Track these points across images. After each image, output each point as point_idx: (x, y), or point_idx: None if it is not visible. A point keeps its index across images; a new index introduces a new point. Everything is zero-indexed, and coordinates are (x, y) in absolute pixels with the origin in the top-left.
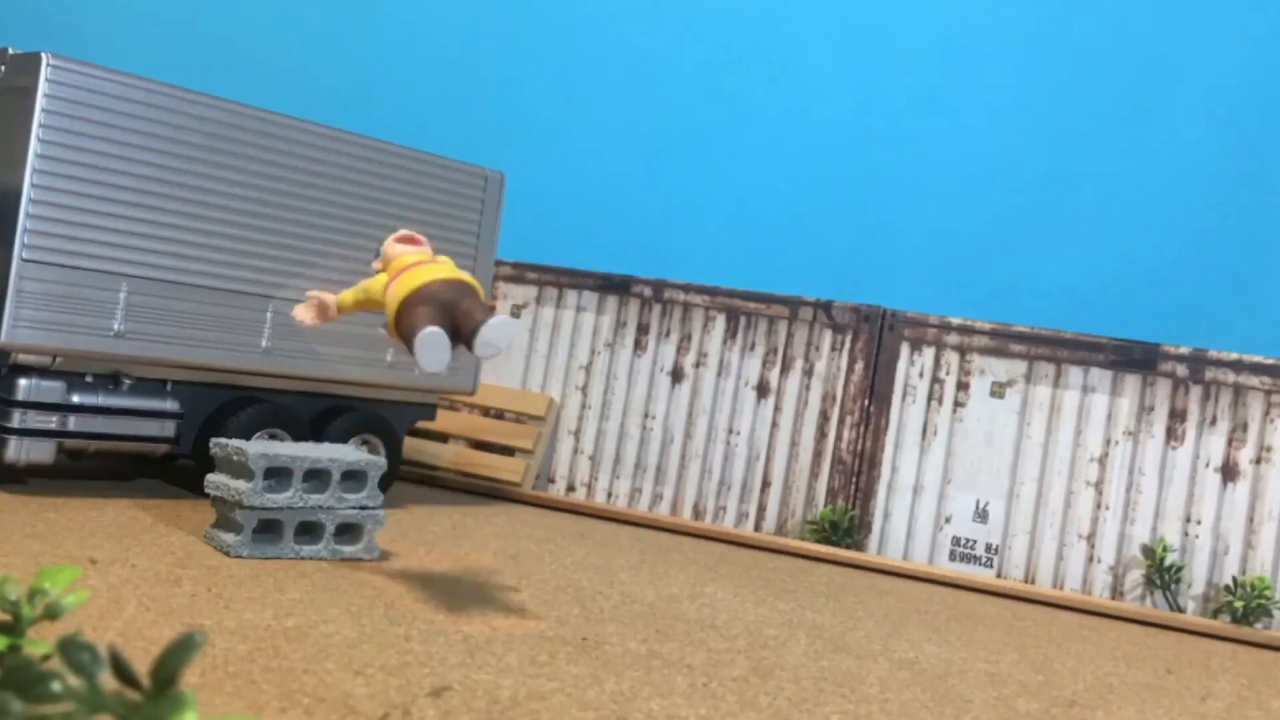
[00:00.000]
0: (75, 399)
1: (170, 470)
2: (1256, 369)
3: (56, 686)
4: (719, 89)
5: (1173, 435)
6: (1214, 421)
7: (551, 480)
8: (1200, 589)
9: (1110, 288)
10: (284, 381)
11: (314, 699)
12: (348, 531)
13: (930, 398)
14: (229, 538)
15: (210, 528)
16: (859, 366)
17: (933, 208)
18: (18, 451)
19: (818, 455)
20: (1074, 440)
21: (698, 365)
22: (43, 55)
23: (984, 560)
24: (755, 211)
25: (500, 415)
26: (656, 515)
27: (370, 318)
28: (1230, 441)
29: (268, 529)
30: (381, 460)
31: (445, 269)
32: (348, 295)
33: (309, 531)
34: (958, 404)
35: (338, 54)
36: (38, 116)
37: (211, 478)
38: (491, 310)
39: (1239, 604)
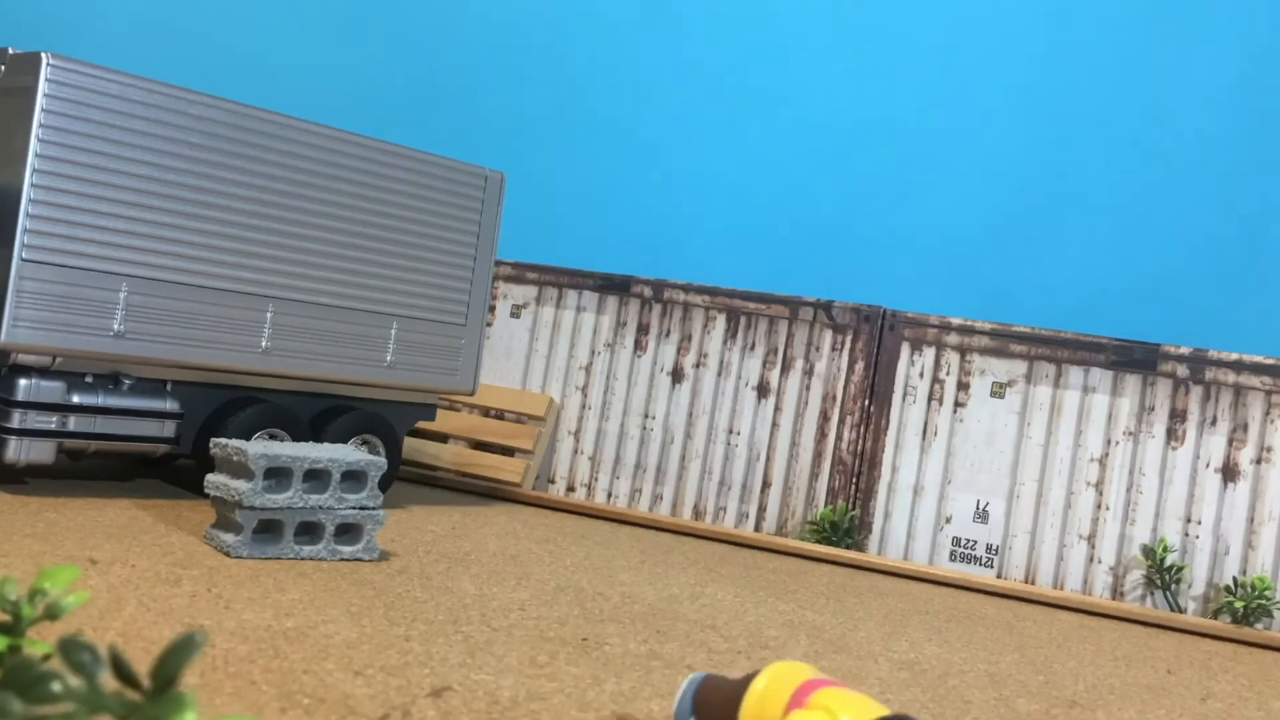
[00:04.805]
0: (75, 399)
1: (170, 470)
2: (1257, 369)
3: (57, 687)
4: (719, 89)
5: (1173, 435)
6: (1214, 422)
7: (551, 480)
8: (1200, 589)
9: (1110, 288)
10: (284, 381)
11: (314, 699)
12: (348, 531)
13: (930, 398)
14: (229, 538)
15: (210, 528)
16: (859, 366)
17: (933, 208)
18: (18, 451)
19: (818, 455)
20: (1074, 440)
21: (698, 365)
22: (43, 55)
23: (984, 561)
24: (755, 211)
25: (500, 415)
26: (656, 515)
27: (368, 316)
28: (1231, 442)
29: (268, 529)
30: (381, 460)
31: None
32: None
33: (309, 531)
34: (958, 404)
35: (338, 54)
36: (38, 116)
37: (211, 478)
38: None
39: (1239, 604)
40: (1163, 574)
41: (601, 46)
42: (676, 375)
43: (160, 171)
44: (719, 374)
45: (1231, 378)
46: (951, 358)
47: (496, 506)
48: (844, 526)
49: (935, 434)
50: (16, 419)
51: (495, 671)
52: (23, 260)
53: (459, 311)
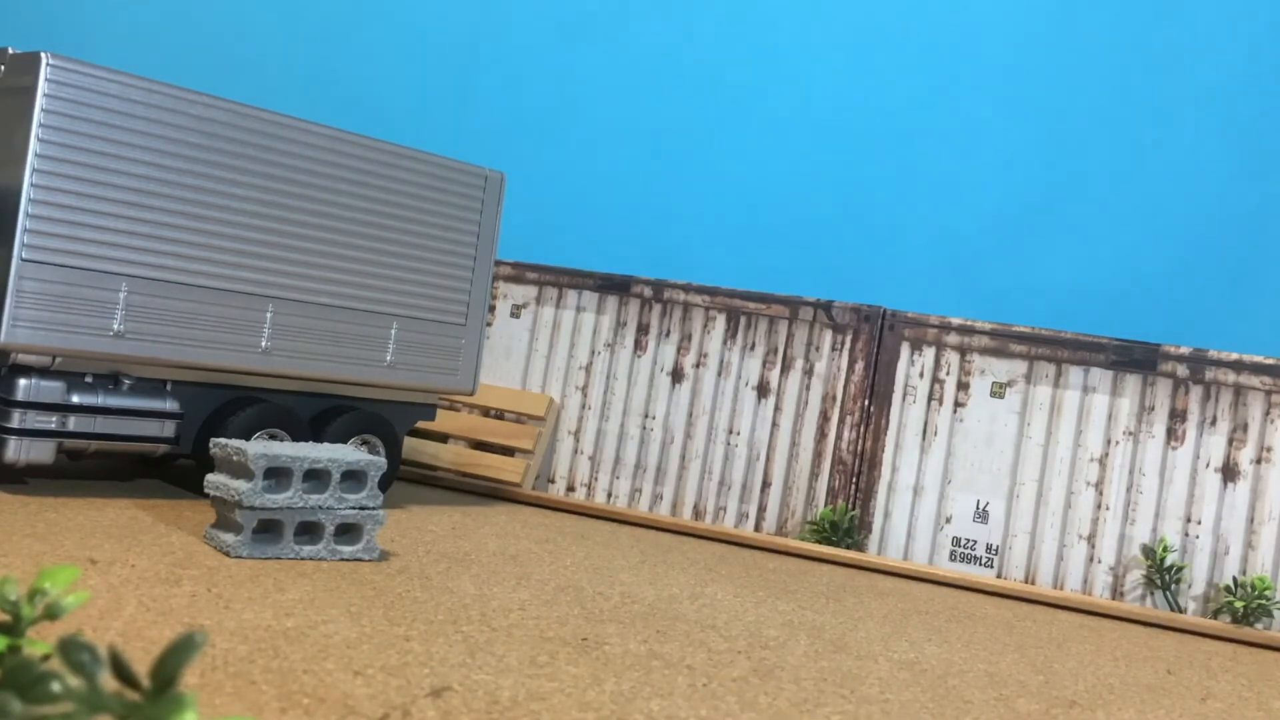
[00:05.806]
0: (75, 399)
1: (170, 470)
2: (1256, 369)
3: (56, 687)
4: (719, 88)
5: (1173, 435)
6: (1214, 422)
7: (551, 480)
8: (1200, 589)
9: (1110, 288)
10: (284, 381)
11: (314, 699)
12: (348, 531)
13: (930, 398)
14: (229, 538)
15: (210, 528)
16: (859, 366)
17: (933, 208)
18: (18, 451)
19: (818, 455)
20: (1074, 440)
21: (698, 365)
22: (43, 55)
23: (984, 560)
24: (755, 211)
25: (500, 415)
26: (656, 515)
27: (368, 316)
28: (1230, 441)
29: (268, 529)
30: (381, 460)
31: None
32: None
33: (309, 531)
34: (958, 404)
35: (338, 54)
36: (38, 116)
37: (211, 478)
38: None
39: (1239, 604)
40: (1163, 574)
41: (601, 46)
42: (676, 375)
43: (160, 171)
44: (719, 374)
45: (1231, 378)
46: (951, 358)
47: (496, 506)
48: (844, 526)
49: (935, 434)
50: (16, 419)
51: (495, 671)
52: (23, 260)
53: (459, 311)
